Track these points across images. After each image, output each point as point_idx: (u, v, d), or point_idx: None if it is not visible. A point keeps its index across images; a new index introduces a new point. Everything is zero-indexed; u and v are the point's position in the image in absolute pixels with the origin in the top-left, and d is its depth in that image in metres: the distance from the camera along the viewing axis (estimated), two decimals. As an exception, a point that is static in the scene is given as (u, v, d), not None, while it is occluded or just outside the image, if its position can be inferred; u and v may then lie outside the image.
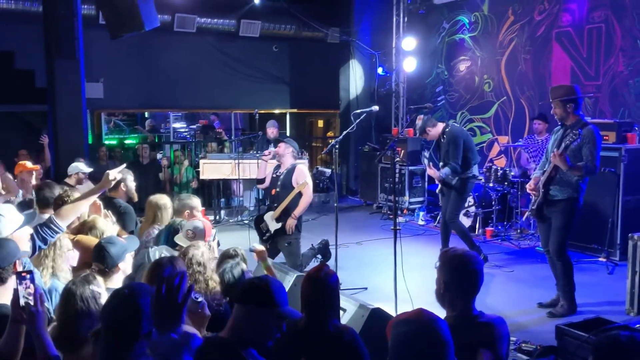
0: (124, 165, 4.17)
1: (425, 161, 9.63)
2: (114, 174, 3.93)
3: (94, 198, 3.95)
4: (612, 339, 2.01)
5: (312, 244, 7.18)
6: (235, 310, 2.54)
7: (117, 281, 3.52)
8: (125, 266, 3.58)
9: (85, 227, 4.38)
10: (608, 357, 1.99)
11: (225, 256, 4.15)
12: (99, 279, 2.97)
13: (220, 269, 3.80)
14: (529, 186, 5.69)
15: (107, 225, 4.48)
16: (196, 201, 5.27)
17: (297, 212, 6.62)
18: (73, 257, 3.71)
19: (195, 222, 4.58)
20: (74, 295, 2.77)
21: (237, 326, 2.50)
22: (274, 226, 6.72)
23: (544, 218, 5.62)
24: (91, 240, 4.01)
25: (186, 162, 10.98)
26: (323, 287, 3.15)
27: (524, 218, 8.56)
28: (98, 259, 3.47)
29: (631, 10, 8.23)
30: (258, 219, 6.92)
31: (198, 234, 4.40)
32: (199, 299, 3.16)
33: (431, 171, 7.12)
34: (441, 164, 7.17)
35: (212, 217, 10.21)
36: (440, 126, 7.14)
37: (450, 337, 2.13)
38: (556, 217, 5.50)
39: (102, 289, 2.91)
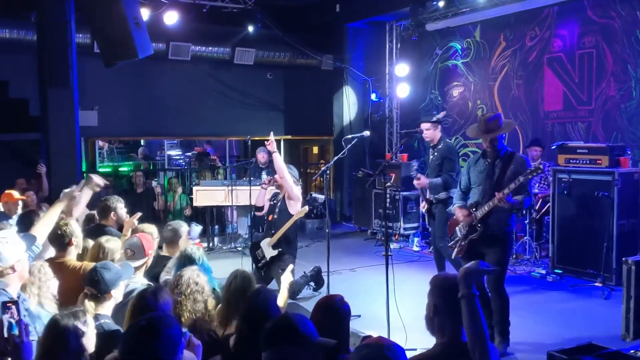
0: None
1: (414, 173, 9.59)
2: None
3: (59, 209, 4.10)
4: None
5: (304, 272, 7.12)
6: (267, 357, 2.39)
7: (108, 308, 3.47)
8: (118, 293, 3.53)
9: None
10: None
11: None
12: (88, 317, 2.92)
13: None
14: (461, 214, 5.40)
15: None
16: (183, 227, 5.24)
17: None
18: (54, 285, 3.66)
19: (130, 239, 4.47)
20: (58, 328, 2.73)
21: None
22: (270, 253, 6.70)
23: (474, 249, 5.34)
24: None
25: (180, 190, 10.93)
26: (338, 315, 3.10)
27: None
28: (91, 283, 3.42)
29: (621, 36, 8.31)
30: (254, 245, 6.90)
31: (137, 250, 4.30)
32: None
33: (418, 181, 6.92)
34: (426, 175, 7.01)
35: (205, 244, 10.15)
36: (438, 134, 6.96)
37: None
38: (495, 251, 5.29)
39: (90, 327, 2.86)
